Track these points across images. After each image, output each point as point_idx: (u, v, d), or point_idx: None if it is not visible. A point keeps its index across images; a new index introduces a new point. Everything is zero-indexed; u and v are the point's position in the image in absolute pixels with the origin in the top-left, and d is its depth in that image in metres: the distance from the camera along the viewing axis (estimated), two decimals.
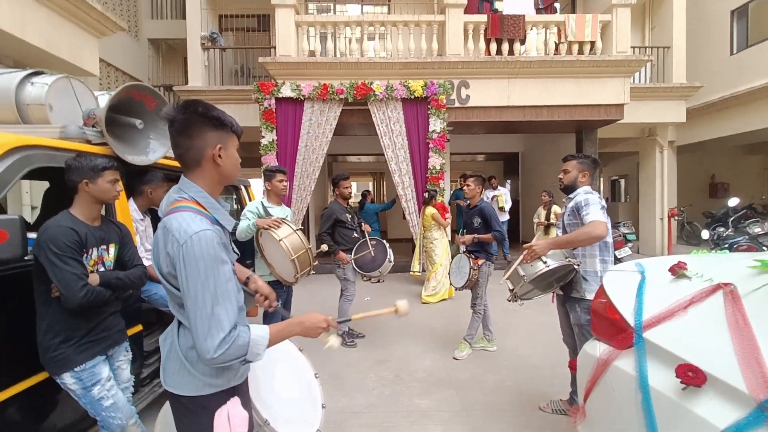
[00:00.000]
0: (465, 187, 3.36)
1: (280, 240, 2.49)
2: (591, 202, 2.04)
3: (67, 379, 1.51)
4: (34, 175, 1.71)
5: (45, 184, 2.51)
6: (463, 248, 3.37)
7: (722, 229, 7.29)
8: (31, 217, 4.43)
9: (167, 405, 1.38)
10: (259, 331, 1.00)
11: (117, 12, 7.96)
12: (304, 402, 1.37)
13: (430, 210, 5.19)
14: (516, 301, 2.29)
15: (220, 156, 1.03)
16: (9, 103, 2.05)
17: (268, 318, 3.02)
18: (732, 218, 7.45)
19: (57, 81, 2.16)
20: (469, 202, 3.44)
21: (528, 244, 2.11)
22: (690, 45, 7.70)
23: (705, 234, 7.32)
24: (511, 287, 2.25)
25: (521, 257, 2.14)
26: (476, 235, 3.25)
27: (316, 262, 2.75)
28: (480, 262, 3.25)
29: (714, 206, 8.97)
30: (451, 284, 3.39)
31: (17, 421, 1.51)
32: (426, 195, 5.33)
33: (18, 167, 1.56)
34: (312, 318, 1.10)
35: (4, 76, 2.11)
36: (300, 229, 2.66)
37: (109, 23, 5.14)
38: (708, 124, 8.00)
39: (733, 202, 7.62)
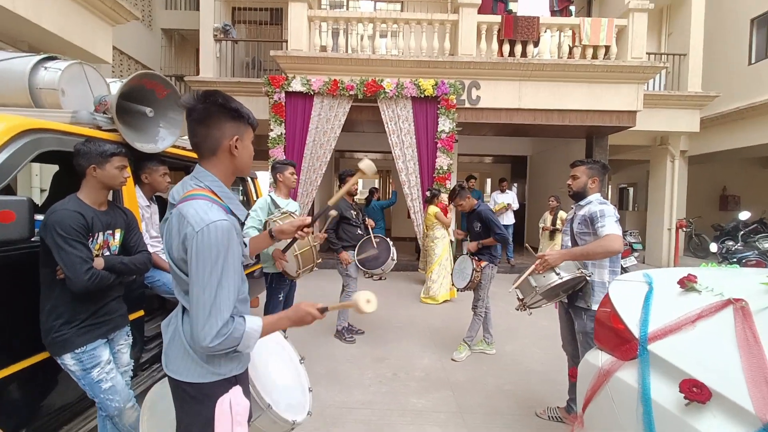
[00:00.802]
0: (458, 207, 3.39)
1: None
2: (606, 214, 2.01)
3: (68, 360, 1.52)
4: (44, 158, 1.73)
5: (54, 168, 2.54)
6: (465, 249, 3.37)
7: (731, 242, 7.18)
8: (39, 200, 4.49)
9: (154, 389, 1.39)
10: (253, 324, 1.01)
11: (131, 1, 7.98)
12: (296, 387, 1.41)
13: (433, 209, 5.18)
14: (525, 310, 2.26)
15: (236, 147, 1.05)
16: (22, 87, 2.06)
17: (269, 310, 3.04)
18: (742, 232, 7.35)
19: (70, 67, 2.17)
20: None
21: (541, 254, 2.09)
22: (707, 53, 7.56)
23: (713, 247, 7.21)
24: (521, 297, 2.22)
25: (533, 267, 2.12)
26: (480, 242, 3.24)
27: (320, 260, 2.76)
28: (483, 264, 3.23)
29: (724, 219, 8.85)
30: (453, 285, 3.38)
31: (18, 397, 1.53)
32: (428, 194, 5.31)
33: (28, 150, 1.58)
34: (299, 309, 1.11)
35: (18, 60, 2.13)
36: None
37: (123, 12, 5.16)
38: (722, 135, 7.86)
39: (744, 215, 7.50)
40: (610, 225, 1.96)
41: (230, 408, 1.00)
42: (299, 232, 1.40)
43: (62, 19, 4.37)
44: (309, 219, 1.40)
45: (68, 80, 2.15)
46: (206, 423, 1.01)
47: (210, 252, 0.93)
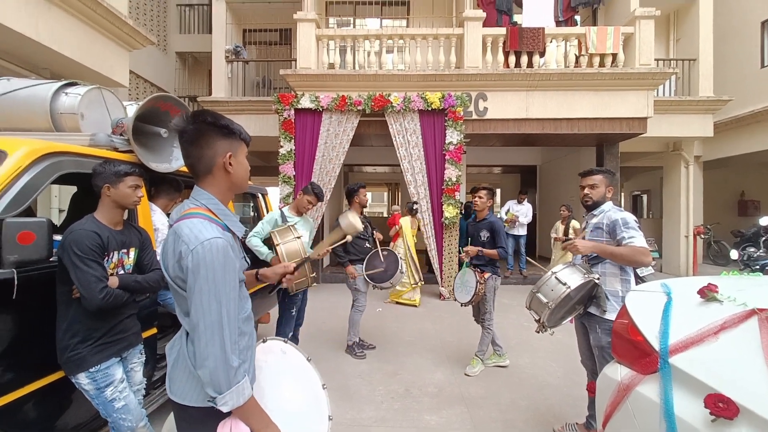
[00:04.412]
0: (477, 199, 3.23)
1: (278, 244, 2.55)
2: (631, 225, 1.96)
3: (82, 379, 1.54)
4: (63, 179, 1.79)
5: (73, 189, 2.62)
6: (467, 261, 3.27)
7: (752, 249, 6.95)
8: (58, 220, 4.62)
9: (171, 417, 1.38)
10: (248, 390, 0.97)
11: (148, 27, 8.35)
12: (311, 414, 1.34)
13: (416, 223, 5.69)
14: (545, 330, 2.14)
15: (230, 164, 1.05)
16: (44, 112, 2.15)
17: (281, 325, 3.04)
18: (764, 238, 7.10)
19: (89, 92, 2.27)
20: (476, 215, 3.35)
21: (571, 241, 2.04)
22: (717, 57, 7.48)
23: (734, 254, 6.99)
24: (537, 317, 2.13)
25: (541, 279, 2.07)
26: (482, 249, 3.13)
27: (314, 274, 2.78)
28: (486, 275, 3.15)
29: (743, 225, 8.58)
30: (455, 299, 3.26)
31: (33, 417, 1.54)
32: (415, 207, 5.73)
33: (49, 172, 1.64)
34: None
35: (40, 86, 2.23)
36: (299, 237, 2.69)
37: (139, 37, 5.39)
38: (737, 139, 7.70)
39: (765, 220, 7.26)
40: (640, 239, 1.93)
41: None
42: (283, 279, 1.36)
43: (83, 46, 4.58)
44: (292, 266, 1.36)
45: (87, 104, 2.24)
46: None
47: (206, 271, 0.92)
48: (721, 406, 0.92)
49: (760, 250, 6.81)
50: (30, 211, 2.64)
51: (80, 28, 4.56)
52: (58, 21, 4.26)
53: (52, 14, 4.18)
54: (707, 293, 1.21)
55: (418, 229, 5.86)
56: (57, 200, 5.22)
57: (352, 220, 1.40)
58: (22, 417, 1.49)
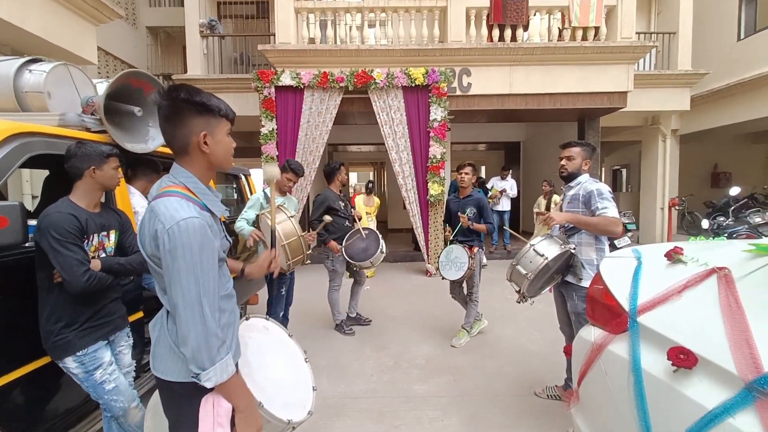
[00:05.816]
0: (464, 175, 3.28)
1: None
2: (605, 196, 2.04)
3: (70, 363, 1.54)
4: (33, 163, 1.72)
5: (45, 174, 2.52)
6: (451, 238, 3.34)
7: (722, 218, 7.26)
8: (31, 206, 4.45)
9: (156, 393, 1.41)
10: (231, 367, 0.99)
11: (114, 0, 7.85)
12: (296, 385, 1.39)
13: (377, 201, 5.93)
14: (525, 301, 2.25)
15: (206, 143, 1.01)
16: (7, 91, 2.04)
17: (272, 306, 3.07)
18: (732, 208, 7.42)
19: (55, 68, 2.15)
20: (458, 191, 3.39)
21: (548, 213, 2.11)
22: (696, 31, 7.55)
23: (705, 223, 7.29)
24: (517, 288, 2.22)
25: (523, 248, 2.14)
26: (473, 225, 3.20)
27: (310, 251, 2.78)
28: (475, 250, 3.24)
29: (715, 196, 8.92)
30: (443, 278, 3.32)
31: (22, 403, 1.54)
32: (371, 185, 6.04)
33: (17, 154, 1.57)
34: (255, 416, 1.05)
35: (1, 63, 2.11)
36: (292, 216, 2.67)
37: (106, 10, 5.08)
38: (712, 112, 7.89)
39: (735, 191, 7.57)
40: (613, 209, 2.01)
41: (213, 408, 1.00)
42: (272, 266, 1.35)
43: (45, 20, 4.29)
44: (275, 253, 1.34)
45: (54, 82, 2.13)
46: (195, 421, 1.01)
47: (183, 250, 0.91)
48: (681, 358, 0.99)
49: (729, 219, 7.13)
50: (0, 197, 2.54)
51: (42, 1, 4.25)
52: None
53: None
54: (673, 255, 1.29)
55: (377, 207, 6.03)
56: (29, 186, 5.02)
57: (269, 169, 1.52)
58: (11, 403, 1.49)
